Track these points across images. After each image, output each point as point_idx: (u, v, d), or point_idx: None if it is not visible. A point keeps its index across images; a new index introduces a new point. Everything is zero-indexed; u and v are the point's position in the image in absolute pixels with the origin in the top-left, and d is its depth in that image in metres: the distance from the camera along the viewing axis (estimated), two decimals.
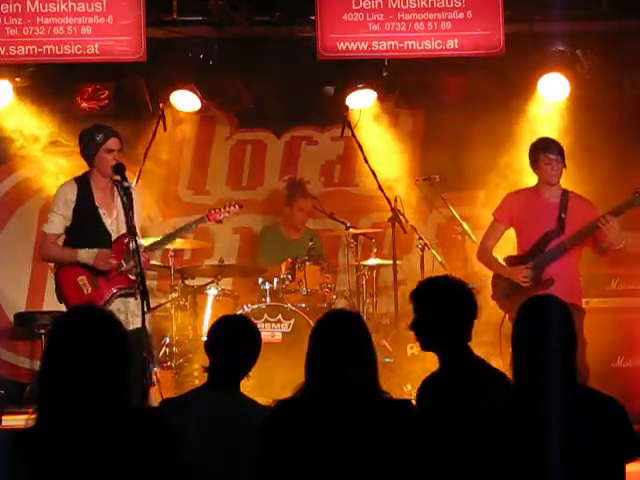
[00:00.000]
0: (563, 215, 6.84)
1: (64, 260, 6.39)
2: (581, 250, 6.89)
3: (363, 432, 3.59)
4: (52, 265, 6.73)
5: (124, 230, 6.29)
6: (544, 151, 6.85)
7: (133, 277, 6.23)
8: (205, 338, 4.61)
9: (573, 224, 6.79)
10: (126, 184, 6.19)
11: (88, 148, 6.42)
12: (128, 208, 6.12)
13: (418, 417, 3.80)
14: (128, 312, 6.28)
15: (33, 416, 3.10)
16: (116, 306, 6.27)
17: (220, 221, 7.09)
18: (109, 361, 3.10)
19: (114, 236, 6.38)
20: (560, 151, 6.87)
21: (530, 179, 7.17)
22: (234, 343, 4.42)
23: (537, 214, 6.87)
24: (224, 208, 7.01)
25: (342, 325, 3.79)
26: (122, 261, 6.30)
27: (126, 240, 6.27)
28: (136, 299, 6.12)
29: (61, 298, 6.38)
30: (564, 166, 6.88)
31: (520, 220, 6.96)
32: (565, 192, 6.92)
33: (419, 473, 3.62)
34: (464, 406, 3.82)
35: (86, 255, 6.30)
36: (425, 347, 4.41)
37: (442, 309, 4.30)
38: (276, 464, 3.64)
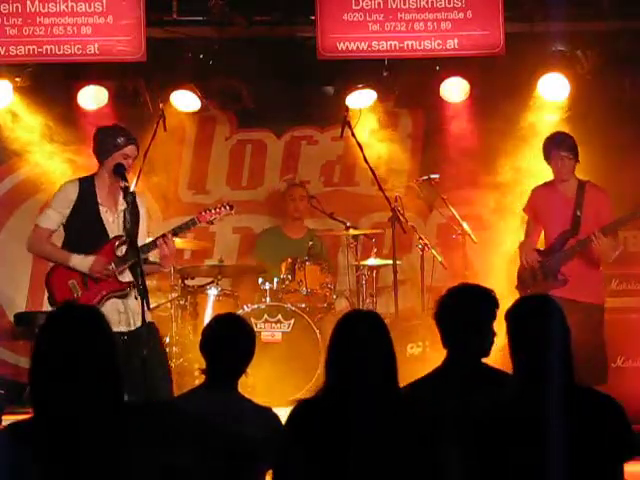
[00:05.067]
0: (578, 213, 6.89)
1: (54, 260, 6.35)
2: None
3: (380, 431, 3.59)
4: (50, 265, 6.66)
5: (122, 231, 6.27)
6: (556, 148, 6.91)
7: (124, 279, 6.24)
8: None
9: (588, 220, 6.83)
10: (125, 184, 6.16)
11: (104, 146, 6.29)
12: (130, 212, 6.11)
13: (433, 415, 3.79)
14: (129, 311, 6.25)
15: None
16: (115, 307, 6.21)
17: (211, 222, 6.75)
18: (97, 357, 3.11)
19: (111, 236, 6.33)
20: (572, 147, 6.92)
21: (531, 179, 7.17)
22: (227, 342, 4.42)
23: (554, 210, 6.97)
24: (214, 210, 6.66)
25: (361, 325, 3.81)
26: (112, 264, 6.27)
27: (117, 243, 6.25)
28: (136, 298, 6.09)
29: (53, 302, 6.30)
30: (577, 161, 6.92)
31: (541, 215, 7.07)
32: (581, 184, 6.95)
33: (435, 470, 3.62)
34: (466, 406, 3.81)
35: (79, 262, 6.20)
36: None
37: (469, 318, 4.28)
38: (296, 464, 3.65)
